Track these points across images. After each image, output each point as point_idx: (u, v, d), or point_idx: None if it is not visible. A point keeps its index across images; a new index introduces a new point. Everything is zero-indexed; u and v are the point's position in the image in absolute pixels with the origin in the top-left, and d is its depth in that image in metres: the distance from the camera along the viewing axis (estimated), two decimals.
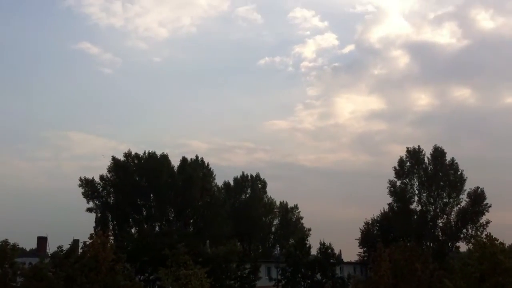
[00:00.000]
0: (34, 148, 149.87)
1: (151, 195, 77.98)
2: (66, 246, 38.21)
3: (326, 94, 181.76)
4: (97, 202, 76.83)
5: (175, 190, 77.67)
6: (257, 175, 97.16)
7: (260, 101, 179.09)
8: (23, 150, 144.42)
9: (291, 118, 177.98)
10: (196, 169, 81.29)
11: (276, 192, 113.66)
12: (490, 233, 36.67)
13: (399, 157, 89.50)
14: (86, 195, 76.37)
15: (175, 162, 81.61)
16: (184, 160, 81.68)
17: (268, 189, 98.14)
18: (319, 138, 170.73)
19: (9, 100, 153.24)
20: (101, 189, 77.60)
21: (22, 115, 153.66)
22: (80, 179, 76.77)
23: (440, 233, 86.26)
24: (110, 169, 78.47)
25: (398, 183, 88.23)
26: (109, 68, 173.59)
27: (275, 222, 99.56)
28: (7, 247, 36.47)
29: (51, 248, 53.27)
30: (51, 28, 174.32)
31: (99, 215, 75.87)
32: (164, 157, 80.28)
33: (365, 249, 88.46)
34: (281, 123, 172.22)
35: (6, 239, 37.29)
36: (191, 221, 79.56)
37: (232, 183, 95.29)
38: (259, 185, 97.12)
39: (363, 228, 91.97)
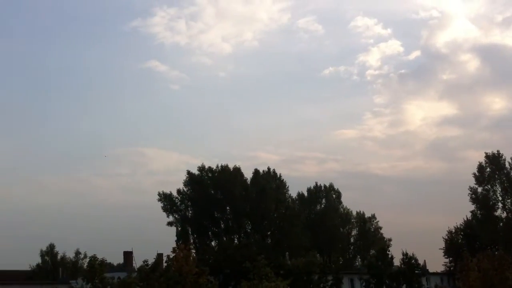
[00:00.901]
0: (112, 165, 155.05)
1: (227, 207, 78.67)
2: (151, 260, 38.80)
3: (394, 101, 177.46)
4: (176, 216, 78.37)
5: (250, 202, 78.00)
6: (331, 185, 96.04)
7: (326, 111, 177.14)
8: (101, 167, 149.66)
9: (360, 127, 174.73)
10: (269, 181, 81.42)
11: (351, 202, 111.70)
12: None
13: (478, 163, 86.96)
14: (165, 209, 78.18)
15: (247, 174, 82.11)
16: (256, 172, 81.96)
17: (343, 199, 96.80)
18: (390, 146, 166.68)
19: (84, 121, 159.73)
20: (179, 203, 79.08)
21: (98, 134, 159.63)
22: (159, 194, 78.79)
23: None
24: (186, 183, 79.87)
25: (480, 189, 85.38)
26: (177, 84, 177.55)
27: (354, 232, 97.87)
28: (96, 263, 37.38)
29: (137, 262, 54.48)
30: (119, 49, 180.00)
31: (179, 228, 77.29)
32: (237, 170, 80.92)
33: (450, 258, 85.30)
34: (350, 132, 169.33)
35: (95, 255, 38.22)
36: (269, 233, 79.48)
37: (305, 193, 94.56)
38: (333, 195, 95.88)
39: (446, 237, 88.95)
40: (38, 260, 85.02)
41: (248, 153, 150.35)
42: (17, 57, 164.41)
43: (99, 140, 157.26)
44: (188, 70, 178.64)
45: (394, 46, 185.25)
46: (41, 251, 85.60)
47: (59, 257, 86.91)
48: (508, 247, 76.84)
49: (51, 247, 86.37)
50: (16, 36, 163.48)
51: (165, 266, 38.50)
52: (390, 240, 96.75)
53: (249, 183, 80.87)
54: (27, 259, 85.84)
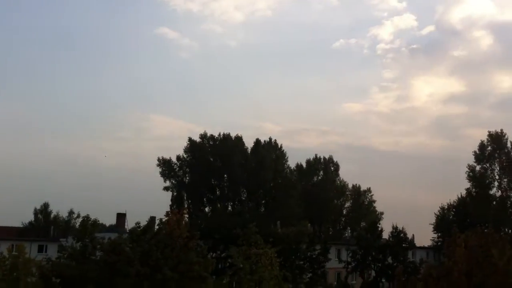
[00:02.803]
0: (115, 128, 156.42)
1: (225, 175, 79.79)
2: (143, 223, 39.85)
3: (403, 76, 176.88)
4: (173, 181, 79.71)
5: (248, 171, 79.04)
6: (330, 158, 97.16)
7: (335, 84, 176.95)
8: (106, 131, 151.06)
9: (366, 101, 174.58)
10: (269, 151, 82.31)
11: (349, 175, 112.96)
12: None
13: (480, 141, 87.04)
14: (164, 174, 79.49)
15: (249, 144, 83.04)
16: (257, 142, 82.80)
17: (341, 172, 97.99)
18: (394, 122, 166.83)
19: (91, 82, 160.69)
20: (177, 169, 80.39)
21: (105, 97, 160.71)
22: (158, 159, 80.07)
23: None
24: (186, 150, 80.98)
25: (478, 168, 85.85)
26: (187, 52, 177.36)
27: (347, 205, 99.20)
28: (88, 223, 38.59)
29: (129, 225, 55.85)
30: (131, 14, 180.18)
31: (175, 193, 78.68)
32: (238, 139, 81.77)
33: (439, 234, 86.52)
34: (356, 106, 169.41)
35: (88, 215, 39.41)
36: (263, 202, 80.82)
37: (304, 165, 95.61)
38: (332, 168, 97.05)
39: (438, 213, 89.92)
40: (31, 217, 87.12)
41: (252, 123, 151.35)
42: (30, 17, 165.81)
43: (106, 102, 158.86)
44: (199, 38, 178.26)
45: (408, 20, 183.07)
46: (35, 209, 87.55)
47: (52, 215, 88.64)
48: (497, 226, 78.00)
49: (45, 205, 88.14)
50: None
51: (157, 229, 39.62)
52: (382, 213, 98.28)
53: (249, 152, 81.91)
54: (21, 217, 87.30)
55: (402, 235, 61.50)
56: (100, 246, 37.60)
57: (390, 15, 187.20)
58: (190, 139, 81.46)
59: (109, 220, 79.52)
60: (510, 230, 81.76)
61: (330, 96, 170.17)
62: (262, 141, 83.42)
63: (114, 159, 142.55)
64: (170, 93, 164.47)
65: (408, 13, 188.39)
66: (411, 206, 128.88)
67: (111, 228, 69.07)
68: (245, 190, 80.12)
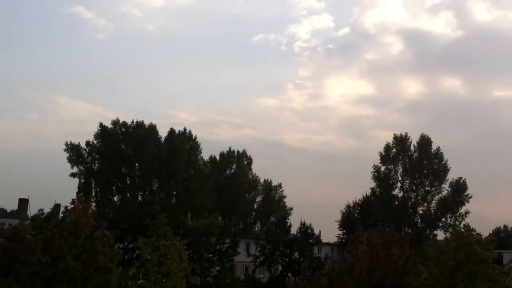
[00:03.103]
0: (20, 109, 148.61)
1: (136, 164, 77.98)
2: (47, 210, 38.03)
3: (317, 75, 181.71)
4: (81, 168, 76.83)
5: (160, 161, 77.75)
6: (244, 152, 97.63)
7: (251, 78, 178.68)
8: (10, 110, 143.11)
9: (281, 97, 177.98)
10: (183, 141, 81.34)
11: (261, 170, 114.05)
12: (468, 223, 37.27)
13: (386, 143, 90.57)
14: (71, 160, 76.33)
15: (163, 133, 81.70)
16: (172, 131, 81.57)
17: (253, 166, 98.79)
18: (307, 119, 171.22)
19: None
20: (86, 155, 77.50)
21: (10, 74, 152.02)
22: (66, 144, 76.72)
23: (419, 220, 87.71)
24: (96, 136, 78.24)
25: (383, 168, 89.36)
26: (102, 34, 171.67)
27: (258, 199, 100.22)
28: None
29: (32, 211, 53.18)
30: None
31: (82, 181, 75.91)
32: (152, 127, 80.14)
33: (344, 231, 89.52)
34: (271, 101, 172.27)
35: None
36: (175, 193, 79.87)
37: (218, 157, 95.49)
38: (245, 162, 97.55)
39: (344, 210, 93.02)
40: None
41: (166, 112, 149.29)
42: None
43: (10, 81, 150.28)
44: (116, 20, 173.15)
45: (325, 21, 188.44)
46: None
47: None
48: (398, 225, 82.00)
49: None
50: None
51: (61, 217, 37.95)
52: (291, 209, 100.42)
53: (162, 142, 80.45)
54: None
55: (309, 231, 62.92)
56: (0, 233, 35.43)
57: (308, 13, 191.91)
58: (101, 125, 78.78)
59: (10, 205, 75.69)
60: (409, 230, 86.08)
61: (246, 89, 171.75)
62: (177, 131, 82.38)
63: (17, 141, 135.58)
64: (81, 75, 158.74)
65: (326, 14, 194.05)
66: (319, 203, 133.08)
67: (12, 214, 65.45)
68: (156, 180, 78.79)
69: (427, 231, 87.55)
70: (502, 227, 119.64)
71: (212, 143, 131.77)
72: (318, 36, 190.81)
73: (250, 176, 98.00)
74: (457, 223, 78.84)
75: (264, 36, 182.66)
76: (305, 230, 62.57)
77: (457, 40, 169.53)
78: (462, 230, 36.52)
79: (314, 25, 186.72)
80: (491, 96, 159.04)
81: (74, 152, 76.42)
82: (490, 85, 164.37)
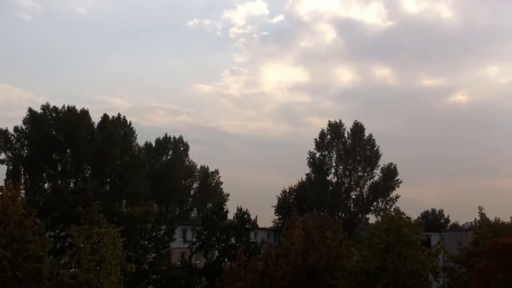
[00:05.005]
0: None
1: (68, 150, 75.66)
2: None
3: (253, 62, 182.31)
4: (9, 154, 73.82)
5: (93, 147, 75.81)
6: (180, 138, 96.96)
7: (187, 64, 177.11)
8: None
9: (217, 83, 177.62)
10: (117, 127, 79.59)
11: (198, 156, 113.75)
12: (398, 207, 38.38)
13: (321, 130, 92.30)
14: None
15: (96, 118, 79.63)
16: (105, 117, 79.54)
17: (190, 152, 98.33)
18: (243, 105, 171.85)
19: None
20: (14, 141, 74.44)
21: None
22: None
23: (352, 205, 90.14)
24: (25, 121, 75.27)
25: (318, 154, 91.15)
26: (29, 15, 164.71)
27: (195, 185, 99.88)
28: None
29: None
30: None
31: (11, 167, 73.00)
32: (84, 113, 77.82)
33: (280, 216, 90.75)
34: (207, 88, 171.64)
35: None
36: (108, 180, 78.18)
37: (154, 144, 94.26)
38: (181, 148, 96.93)
39: (280, 196, 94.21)
40: None
41: (99, 97, 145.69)
42: None
43: None
44: (43, 0, 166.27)
45: (260, 8, 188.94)
46: None
47: None
48: (333, 210, 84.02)
49: None
50: None
51: None
52: (228, 195, 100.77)
53: (95, 128, 78.36)
54: None
55: (246, 216, 63.30)
56: None
57: (244, 0, 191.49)
58: (30, 110, 75.79)
59: None
60: (343, 214, 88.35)
61: (181, 75, 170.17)
62: (110, 116, 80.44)
63: None
64: (8, 58, 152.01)
65: (260, 0, 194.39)
66: (256, 189, 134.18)
67: None
68: (89, 167, 76.77)
69: (360, 215, 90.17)
70: (430, 211, 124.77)
71: (147, 129, 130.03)
72: (253, 22, 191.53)
73: (187, 163, 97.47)
74: (387, 207, 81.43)
75: (199, 21, 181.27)
76: (242, 215, 62.91)
77: (387, 30, 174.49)
78: (393, 214, 37.52)
79: (249, 11, 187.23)
80: (419, 85, 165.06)
81: (1, 138, 73.26)
82: (419, 74, 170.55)
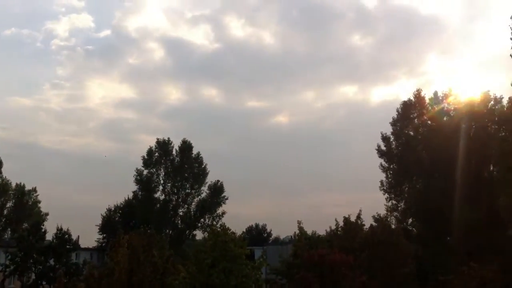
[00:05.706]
0: None
1: None
2: None
3: (77, 76, 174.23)
4: None
5: None
6: None
7: (2, 75, 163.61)
8: None
9: (37, 96, 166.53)
10: None
11: (12, 173, 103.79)
12: (224, 223, 39.34)
13: (149, 147, 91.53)
14: None
15: None
16: None
17: (4, 169, 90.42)
18: (65, 121, 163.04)
19: None
20: None
21: None
22: None
23: (180, 222, 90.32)
24: None
25: (145, 172, 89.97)
26: None
27: (9, 204, 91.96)
28: None
29: None
30: None
31: None
32: None
33: (105, 235, 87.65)
34: (24, 101, 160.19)
35: None
36: None
37: None
38: None
39: (105, 214, 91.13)
40: None
41: None
42: None
43: None
44: None
45: (85, 21, 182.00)
46: None
47: None
48: (160, 227, 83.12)
49: None
50: None
51: None
52: (47, 214, 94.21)
53: None
54: None
55: (66, 236, 59.96)
56: None
57: (67, 11, 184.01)
58: None
59: None
60: (170, 231, 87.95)
61: None
62: None
63: None
64: None
65: (86, 13, 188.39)
66: (79, 207, 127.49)
67: None
68: None
69: (187, 231, 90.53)
70: (254, 226, 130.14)
71: None
72: (78, 35, 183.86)
73: (0, 181, 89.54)
74: (214, 223, 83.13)
75: (17, 30, 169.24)
76: (62, 235, 59.56)
77: (214, 52, 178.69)
78: (219, 229, 38.35)
79: (73, 23, 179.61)
80: (243, 106, 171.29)
81: None
82: (243, 96, 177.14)
